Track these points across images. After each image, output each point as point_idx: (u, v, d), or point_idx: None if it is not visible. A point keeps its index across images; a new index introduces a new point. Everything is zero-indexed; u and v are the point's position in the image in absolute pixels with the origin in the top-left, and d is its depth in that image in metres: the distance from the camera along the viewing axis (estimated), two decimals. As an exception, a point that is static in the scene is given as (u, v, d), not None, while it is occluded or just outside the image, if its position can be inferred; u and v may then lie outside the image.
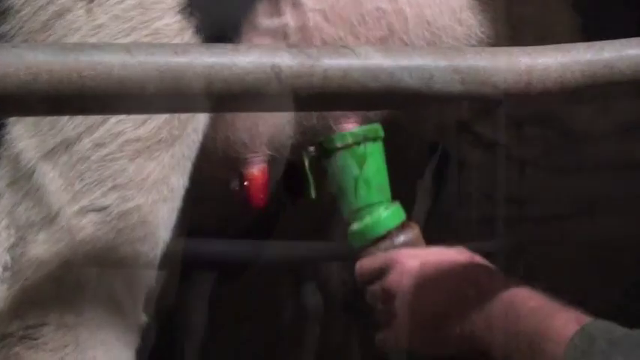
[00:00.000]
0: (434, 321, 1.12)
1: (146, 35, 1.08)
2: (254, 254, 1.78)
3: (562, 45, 0.95)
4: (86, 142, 1.07)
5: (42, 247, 1.06)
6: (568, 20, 1.41)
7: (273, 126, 1.35)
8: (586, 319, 0.99)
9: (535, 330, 1.01)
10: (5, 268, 1.06)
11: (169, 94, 0.81)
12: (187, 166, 1.14)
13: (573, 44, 0.95)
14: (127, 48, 0.80)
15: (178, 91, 0.81)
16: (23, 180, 1.07)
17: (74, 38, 1.06)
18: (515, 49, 0.94)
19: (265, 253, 1.84)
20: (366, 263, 1.19)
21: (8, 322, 1.08)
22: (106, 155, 1.07)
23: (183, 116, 1.11)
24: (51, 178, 1.06)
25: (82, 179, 1.07)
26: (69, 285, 1.09)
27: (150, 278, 1.15)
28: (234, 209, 1.45)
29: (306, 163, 1.25)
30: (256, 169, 1.37)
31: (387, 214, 1.20)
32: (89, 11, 1.06)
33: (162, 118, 1.09)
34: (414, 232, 1.21)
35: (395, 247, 1.18)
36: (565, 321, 0.99)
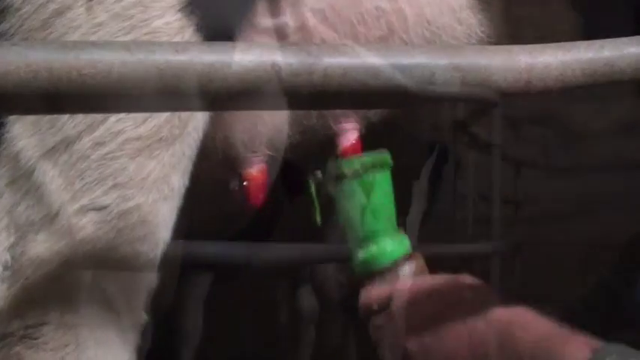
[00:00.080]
0: (441, 353, 1.11)
1: (146, 33, 1.08)
2: (250, 256, 1.78)
3: (562, 43, 0.95)
4: (86, 141, 1.06)
5: (42, 246, 1.06)
6: (568, 19, 1.41)
7: (273, 125, 1.35)
8: (597, 343, 0.99)
9: (548, 356, 1.00)
10: (5, 268, 1.06)
11: (169, 92, 0.81)
12: (188, 165, 1.14)
13: (574, 42, 0.95)
14: (127, 46, 0.80)
15: (178, 89, 0.81)
16: (23, 179, 1.07)
17: (74, 36, 1.06)
18: (516, 48, 0.93)
19: (261, 255, 1.84)
20: (371, 294, 1.18)
21: (8, 321, 1.07)
22: (107, 154, 1.07)
23: (184, 115, 1.11)
24: (51, 177, 1.06)
25: (82, 178, 1.06)
26: (69, 284, 1.09)
27: (150, 278, 1.15)
28: (233, 208, 1.45)
29: (312, 188, 1.24)
30: (255, 169, 1.37)
31: (393, 244, 1.19)
32: (89, 9, 1.06)
33: (162, 116, 1.09)
34: (418, 262, 1.20)
35: (400, 278, 1.18)
36: (578, 347, 0.99)
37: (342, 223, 1.20)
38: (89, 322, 1.09)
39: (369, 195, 1.18)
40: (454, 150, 3.09)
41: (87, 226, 1.07)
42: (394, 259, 1.18)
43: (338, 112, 1.39)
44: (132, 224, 1.09)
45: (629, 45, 0.94)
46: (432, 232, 3.01)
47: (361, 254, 1.18)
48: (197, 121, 1.14)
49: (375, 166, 1.19)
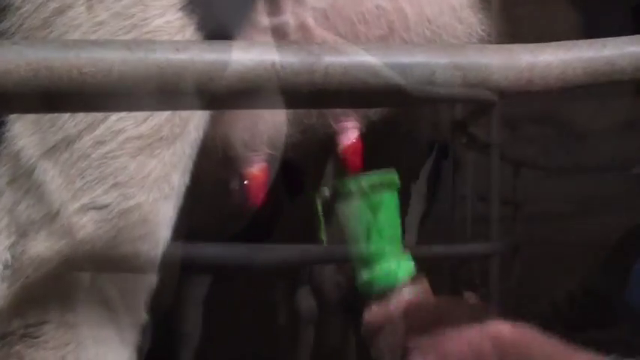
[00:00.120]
0: None
1: (147, 32, 1.08)
2: (248, 258, 1.77)
3: (563, 42, 0.95)
4: (87, 140, 1.06)
5: (42, 245, 1.06)
6: (568, 19, 1.41)
7: (273, 124, 1.35)
8: (603, 358, 0.99)
9: None
10: (6, 266, 1.06)
11: (170, 91, 0.81)
12: (188, 164, 1.14)
13: (574, 41, 0.95)
14: (128, 45, 0.80)
15: (179, 88, 0.81)
16: (24, 178, 1.06)
17: (75, 35, 1.06)
18: (517, 46, 0.93)
19: (260, 256, 1.84)
20: (374, 316, 1.18)
21: (9, 320, 1.07)
22: (107, 153, 1.07)
23: (185, 114, 1.10)
24: (52, 175, 1.06)
25: (82, 177, 1.06)
26: (69, 283, 1.09)
27: (150, 277, 1.15)
28: (233, 208, 1.44)
29: (319, 205, 1.24)
30: (256, 168, 1.37)
31: (397, 266, 1.18)
32: (90, 8, 1.06)
33: (163, 115, 1.09)
34: (422, 284, 1.21)
35: (403, 299, 1.18)
36: None
37: (346, 240, 1.20)
38: (90, 320, 1.09)
39: (376, 215, 1.17)
40: (453, 150, 3.09)
41: (87, 225, 1.07)
42: (398, 280, 1.18)
43: (338, 110, 1.39)
44: (132, 223, 1.08)
45: (630, 44, 0.94)
46: (431, 233, 3.01)
47: (366, 274, 1.18)
48: (198, 120, 1.14)
49: (383, 186, 1.19)
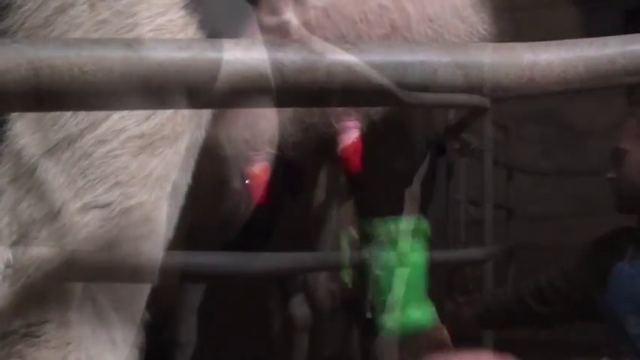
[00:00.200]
0: None
1: (149, 31, 1.07)
2: (242, 266, 1.77)
3: (565, 41, 0.95)
4: (89, 139, 1.06)
5: (44, 244, 1.06)
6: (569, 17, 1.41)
7: (275, 123, 1.35)
8: None
9: None
10: (7, 266, 1.05)
11: (172, 89, 0.81)
12: (190, 163, 1.14)
13: (576, 40, 0.95)
14: (129, 43, 0.80)
15: (181, 86, 0.81)
16: (25, 177, 1.06)
17: (77, 34, 1.05)
18: (518, 45, 0.93)
19: (253, 265, 1.84)
20: None
21: (10, 319, 1.07)
22: (109, 152, 1.07)
23: (187, 112, 1.10)
24: (53, 174, 1.06)
25: (84, 176, 1.06)
26: (71, 282, 1.08)
27: (152, 275, 1.14)
28: (234, 206, 1.44)
29: (345, 244, 1.24)
30: (258, 167, 1.37)
31: (419, 314, 1.19)
32: (92, 6, 1.06)
33: (165, 114, 1.08)
34: (443, 333, 1.22)
35: (423, 348, 1.19)
36: None
37: (368, 282, 1.20)
38: (91, 320, 1.09)
39: (403, 262, 1.18)
40: (446, 155, 3.09)
41: (89, 223, 1.07)
42: (419, 328, 1.18)
43: (339, 110, 1.39)
44: (134, 222, 1.08)
45: (632, 42, 0.94)
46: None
47: (388, 320, 1.18)
48: (199, 118, 1.14)
49: (411, 233, 1.19)
